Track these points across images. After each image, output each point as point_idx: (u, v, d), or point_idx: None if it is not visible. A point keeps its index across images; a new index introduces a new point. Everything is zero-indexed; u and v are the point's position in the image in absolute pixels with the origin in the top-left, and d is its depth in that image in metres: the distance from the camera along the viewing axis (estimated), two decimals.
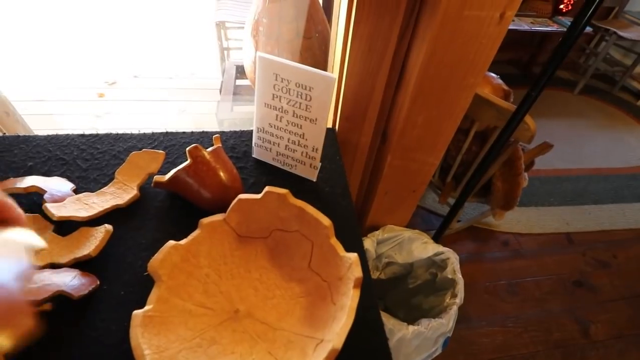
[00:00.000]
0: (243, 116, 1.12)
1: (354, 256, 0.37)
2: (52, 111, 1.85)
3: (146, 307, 0.36)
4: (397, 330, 0.76)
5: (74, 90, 2.01)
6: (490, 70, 1.16)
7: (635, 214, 1.72)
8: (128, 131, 0.65)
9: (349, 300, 0.34)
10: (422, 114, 0.65)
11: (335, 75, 0.67)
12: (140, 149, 0.58)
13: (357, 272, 0.35)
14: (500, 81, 1.07)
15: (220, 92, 1.25)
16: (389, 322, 0.76)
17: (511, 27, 2.35)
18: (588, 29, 2.41)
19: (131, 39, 2.57)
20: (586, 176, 1.89)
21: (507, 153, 1.03)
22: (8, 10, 2.69)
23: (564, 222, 1.63)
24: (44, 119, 1.80)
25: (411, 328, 0.76)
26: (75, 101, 1.94)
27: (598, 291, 1.41)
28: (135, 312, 0.35)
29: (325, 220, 0.40)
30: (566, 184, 1.82)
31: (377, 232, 0.94)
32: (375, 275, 1.01)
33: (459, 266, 0.89)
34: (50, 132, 0.63)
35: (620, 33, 2.29)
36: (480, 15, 0.50)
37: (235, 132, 0.67)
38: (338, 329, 0.32)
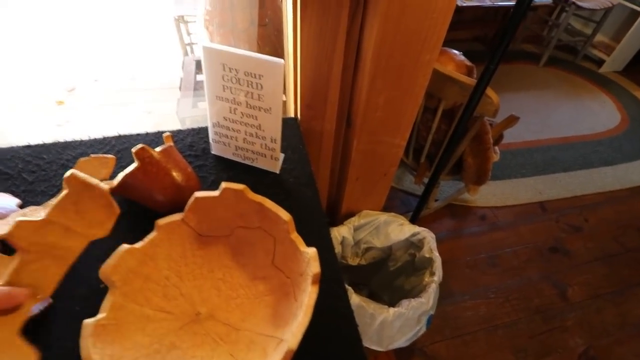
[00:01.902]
0: (205, 113, 1.09)
1: (312, 251, 0.35)
2: (6, 124, 1.75)
3: (98, 316, 0.34)
4: (378, 314, 0.76)
5: (30, 99, 1.90)
6: (456, 47, 1.17)
7: (603, 178, 1.79)
8: (83, 137, 0.62)
9: (307, 297, 0.33)
10: (382, 94, 0.64)
11: (290, 61, 0.65)
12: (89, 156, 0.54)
13: (315, 268, 0.34)
14: (462, 57, 1.08)
15: (180, 89, 1.20)
16: (370, 307, 0.77)
17: (474, 3, 2.34)
18: (548, 1, 2.46)
19: (88, 42, 2.44)
20: (555, 145, 1.94)
21: (474, 128, 1.04)
22: None
23: (536, 191, 1.68)
24: None
25: (392, 310, 0.77)
26: (33, 111, 1.84)
27: (573, 255, 1.46)
28: (86, 321, 0.33)
29: (285, 215, 0.38)
30: (536, 154, 1.87)
31: (353, 219, 0.93)
32: (355, 261, 1.01)
33: (435, 244, 0.90)
34: (4, 146, 0.59)
35: (579, 3, 2.35)
36: None
37: (193, 129, 0.65)
38: (295, 328, 0.31)
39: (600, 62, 2.70)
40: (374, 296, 1.16)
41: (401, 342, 0.84)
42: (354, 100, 0.69)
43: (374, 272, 1.10)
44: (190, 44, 1.85)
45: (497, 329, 1.21)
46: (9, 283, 0.30)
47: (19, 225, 0.29)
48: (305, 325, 0.31)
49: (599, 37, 2.75)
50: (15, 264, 0.30)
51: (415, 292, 0.91)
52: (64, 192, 0.31)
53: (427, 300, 0.80)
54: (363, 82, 0.62)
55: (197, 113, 1.07)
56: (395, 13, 0.51)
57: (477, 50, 2.74)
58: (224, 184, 0.40)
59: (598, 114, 2.24)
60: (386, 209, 1.00)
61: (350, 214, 0.94)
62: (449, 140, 0.93)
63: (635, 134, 2.09)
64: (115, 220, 0.34)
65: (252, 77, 0.48)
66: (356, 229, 0.94)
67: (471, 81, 0.92)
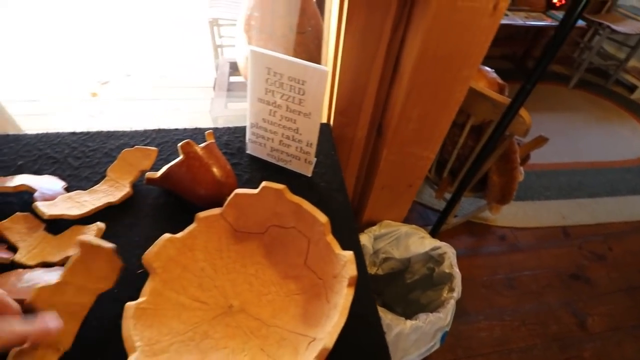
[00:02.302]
0: (237, 113, 1.12)
1: (349, 254, 0.36)
2: (45, 111, 1.83)
3: (139, 299, 0.36)
4: (395, 325, 0.76)
5: (66, 90, 1.99)
6: (484, 64, 1.16)
7: (631, 207, 1.73)
8: (120, 129, 0.65)
9: (342, 299, 0.33)
10: (417, 107, 0.64)
11: (329, 69, 0.67)
12: (132, 147, 0.57)
13: (352, 271, 0.34)
14: (495, 75, 1.07)
15: (214, 89, 1.24)
16: (387, 317, 0.76)
17: (505, 21, 2.35)
18: (582, 23, 2.42)
19: (123, 38, 2.55)
20: (581, 170, 1.89)
21: (502, 147, 1.03)
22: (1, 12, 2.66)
23: (560, 215, 1.64)
24: (37, 119, 1.78)
25: (409, 323, 0.76)
26: (69, 101, 1.92)
27: (594, 284, 1.41)
28: (128, 303, 0.35)
29: (322, 217, 0.39)
30: (562, 177, 1.82)
31: (374, 228, 0.93)
32: (372, 270, 1.01)
33: (455, 260, 0.89)
34: (51, 132, 0.62)
35: (614, 27, 2.30)
36: (474, 6, 0.50)
37: (229, 128, 0.67)
38: (330, 327, 0.32)
39: (632, 88, 2.63)
40: (387, 307, 1.15)
41: (414, 356, 0.83)
42: (387, 110, 0.70)
43: (390, 283, 1.09)
44: (221, 46, 1.91)
45: (511, 352, 1.18)
46: (34, 342, 0.33)
47: (39, 290, 0.33)
48: (341, 326, 0.31)
49: (633, 62, 2.68)
50: None
51: (431, 307, 0.90)
52: (76, 255, 0.34)
53: (445, 316, 0.79)
54: (399, 94, 0.63)
55: (229, 113, 1.10)
56: (439, 30, 0.52)
57: (504, 69, 2.71)
58: (264, 183, 0.42)
59: (628, 141, 2.17)
60: (404, 221, 0.99)
61: (372, 223, 0.94)
62: (476, 157, 0.93)
63: None
64: (119, 273, 0.37)
65: (295, 82, 0.49)
66: (376, 238, 0.94)
67: (504, 99, 0.91)
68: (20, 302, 0.35)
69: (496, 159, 1.09)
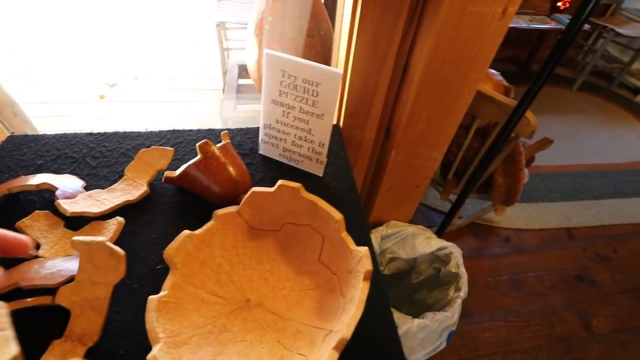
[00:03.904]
0: (246, 115, 1.14)
1: (364, 249, 0.37)
2: (55, 113, 1.86)
3: (161, 293, 0.37)
4: (402, 324, 0.77)
5: (74, 92, 2.02)
6: (489, 67, 1.18)
7: (635, 209, 1.73)
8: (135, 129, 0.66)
9: (359, 292, 0.34)
10: (425, 109, 0.66)
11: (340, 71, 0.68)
12: (148, 147, 0.58)
13: (368, 265, 0.36)
14: (501, 78, 1.08)
15: (224, 91, 1.26)
16: (394, 315, 0.77)
17: (509, 24, 2.36)
18: (586, 26, 2.43)
19: (131, 41, 2.58)
20: (586, 172, 1.90)
21: (508, 148, 1.04)
22: (10, 15, 2.70)
23: (564, 217, 1.64)
24: (48, 120, 1.80)
25: (416, 321, 0.77)
26: (77, 103, 1.95)
27: (599, 285, 1.42)
28: (151, 297, 0.36)
29: (337, 215, 0.41)
30: (566, 179, 1.83)
31: (380, 228, 0.95)
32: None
33: (462, 260, 0.90)
34: (69, 132, 0.64)
35: (618, 30, 2.31)
36: (483, 11, 0.51)
37: (241, 129, 0.68)
38: (347, 319, 0.33)
39: (636, 91, 2.63)
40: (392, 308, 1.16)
41: (420, 355, 0.84)
42: (396, 112, 0.71)
43: (395, 283, 1.10)
44: (228, 49, 1.93)
45: (516, 353, 1.18)
46: (66, 337, 0.36)
47: (60, 291, 0.37)
48: (358, 318, 0.33)
49: (637, 65, 2.68)
50: (69, 321, 0.37)
51: (437, 306, 0.91)
52: (80, 255, 0.37)
53: (452, 315, 0.80)
54: (408, 96, 0.65)
55: (238, 115, 1.12)
56: (448, 34, 0.53)
57: (508, 71, 2.72)
58: (280, 182, 0.43)
59: (633, 143, 2.18)
60: (410, 222, 1.00)
61: (378, 223, 0.96)
62: (482, 158, 0.94)
63: None
64: (126, 262, 0.37)
65: (309, 84, 0.51)
66: (383, 238, 0.95)
67: (511, 102, 0.92)
68: (43, 288, 0.37)
69: (501, 160, 1.10)
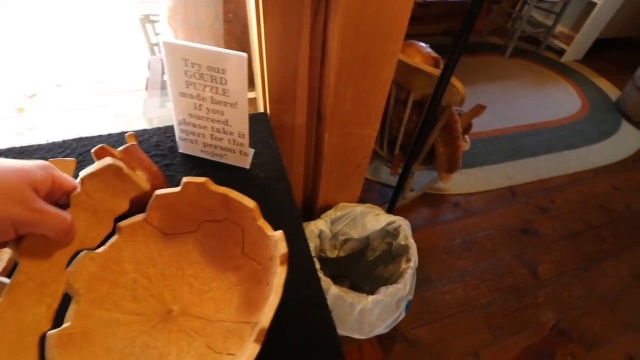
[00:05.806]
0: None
1: (279, 233, 0.36)
2: None
3: (63, 325, 0.33)
4: (357, 303, 0.77)
5: None
6: (425, 41, 1.20)
7: (567, 161, 1.88)
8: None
9: (277, 277, 0.33)
10: (350, 86, 0.65)
11: (256, 56, 0.65)
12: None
13: (282, 249, 0.34)
14: (429, 50, 1.10)
15: (146, 89, 1.17)
16: (348, 297, 0.78)
17: None
18: None
19: (48, 45, 2.33)
20: (522, 132, 2.03)
21: (443, 118, 1.07)
22: None
23: (506, 177, 1.75)
24: None
25: (370, 298, 0.78)
26: None
27: (541, 235, 1.53)
28: (50, 332, 0.32)
29: (250, 202, 0.38)
30: (505, 141, 1.94)
31: (329, 212, 0.94)
32: (334, 253, 1.02)
33: (410, 232, 0.92)
34: None
35: None
36: None
37: (158, 128, 0.63)
38: (266, 308, 0.31)
39: (561, 52, 2.83)
40: (355, 287, 1.17)
41: (381, 328, 0.86)
42: (323, 93, 0.69)
43: (354, 263, 1.12)
44: (157, 45, 1.80)
45: (474, 309, 1.26)
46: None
47: (82, 180, 0.32)
48: (276, 305, 0.31)
49: (559, 28, 2.87)
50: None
51: (393, 279, 0.93)
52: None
53: (404, 286, 0.82)
54: (330, 75, 0.63)
55: (165, 113, 1.05)
56: (356, 5, 0.52)
57: (445, 44, 2.80)
58: (185, 179, 0.40)
59: (561, 101, 2.35)
60: (364, 201, 1.01)
61: (327, 207, 0.95)
62: (419, 130, 0.96)
63: (594, 119, 2.21)
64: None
65: (215, 71, 0.47)
66: (333, 222, 0.95)
67: (437, 72, 0.94)
68: None
69: (439, 130, 1.13)
